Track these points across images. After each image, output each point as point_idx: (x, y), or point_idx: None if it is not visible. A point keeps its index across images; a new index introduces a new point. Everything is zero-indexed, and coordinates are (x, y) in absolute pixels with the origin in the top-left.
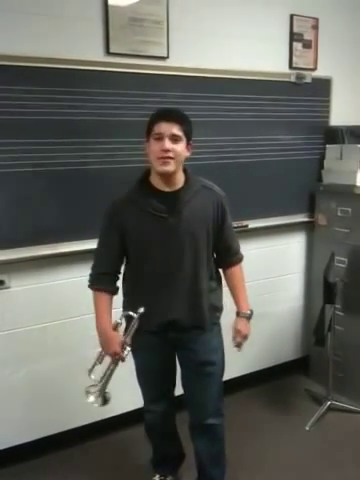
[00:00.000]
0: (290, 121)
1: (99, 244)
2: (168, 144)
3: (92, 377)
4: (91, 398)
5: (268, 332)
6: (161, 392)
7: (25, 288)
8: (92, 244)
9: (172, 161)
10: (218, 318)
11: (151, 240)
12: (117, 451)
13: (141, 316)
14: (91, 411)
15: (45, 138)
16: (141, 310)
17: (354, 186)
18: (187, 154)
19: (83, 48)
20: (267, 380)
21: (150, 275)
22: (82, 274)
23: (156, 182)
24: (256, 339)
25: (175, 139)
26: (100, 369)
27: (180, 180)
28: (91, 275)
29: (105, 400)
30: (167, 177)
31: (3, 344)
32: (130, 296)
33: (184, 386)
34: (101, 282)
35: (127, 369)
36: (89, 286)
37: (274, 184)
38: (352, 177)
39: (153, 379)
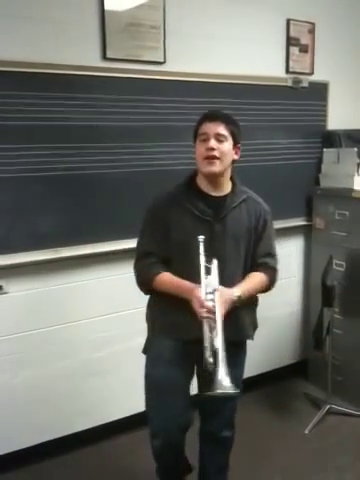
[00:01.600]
0: (287, 125)
1: (142, 239)
2: (213, 143)
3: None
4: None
5: (267, 336)
6: (179, 414)
7: (23, 293)
8: (90, 249)
9: (218, 161)
10: (253, 336)
11: (193, 242)
12: (116, 457)
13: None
14: (90, 416)
15: (42, 143)
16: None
17: (351, 190)
18: (235, 157)
19: (80, 53)
20: (266, 384)
21: (190, 279)
22: (82, 278)
23: (202, 185)
24: (255, 343)
25: (220, 139)
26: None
27: (227, 186)
28: (139, 270)
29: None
30: (214, 180)
31: (1, 349)
32: (164, 303)
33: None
34: (154, 267)
35: (125, 374)
36: (142, 284)
37: (271, 188)
38: (349, 181)
39: (173, 395)
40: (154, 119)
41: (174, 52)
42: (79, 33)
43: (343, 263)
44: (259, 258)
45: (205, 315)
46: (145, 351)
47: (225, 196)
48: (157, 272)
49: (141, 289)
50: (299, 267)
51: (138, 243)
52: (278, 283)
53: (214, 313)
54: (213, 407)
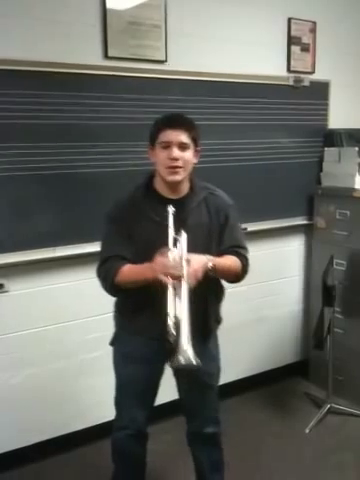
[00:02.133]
0: (288, 124)
1: (104, 245)
2: (176, 153)
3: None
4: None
5: (267, 335)
6: (144, 408)
7: (23, 292)
8: (90, 247)
9: (181, 170)
10: (216, 329)
11: (155, 247)
12: None
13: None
14: (88, 415)
15: (43, 142)
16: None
17: (353, 189)
18: (195, 161)
19: (81, 52)
20: (266, 383)
21: (148, 289)
22: (80, 278)
23: (161, 188)
24: (255, 342)
25: (183, 147)
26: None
27: (185, 187)
28: (102, 273)
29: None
30: (174, 185)
31: (1, 348)
32: (128, 305)
33: (182, 396)
34: (115, 265)
35: None
36: (107, 284)
37: (273, 187)
38: (350, 180)
39: (140, 392)
40: (156, 118)
41: (175, 51)
42: (81, 32)
43: (344, 263)
44: (226, 250)
45: (170, 274)
46: (112, 343)
47: (184, 197)
48: (118, 266)
49: (108, 291)
50: (300, 266)
51: (100, 251)
52: (279, 282)
53: (180, 278)
54: (195, 407)
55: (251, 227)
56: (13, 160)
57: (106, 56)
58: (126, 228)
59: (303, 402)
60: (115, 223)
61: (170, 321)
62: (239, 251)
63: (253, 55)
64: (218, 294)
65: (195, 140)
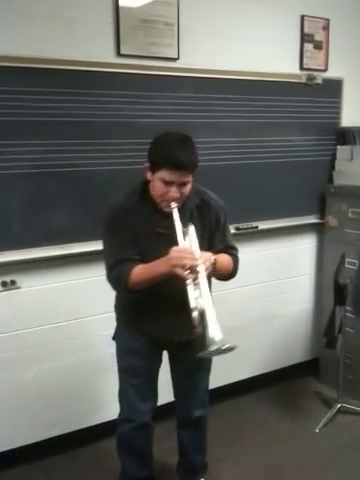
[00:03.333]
0: (301, 122)
1: (109, 251)
2: (176, 192)
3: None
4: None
5: (278, 334)
6: (147, 400)
7: (36, 288)
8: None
9: (178, 201)
10: None
11: (154, 255)
12: None
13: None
14: (100, 411)
15: (56, 139)
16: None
17: None
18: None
19: (94, 50)
20: (277, 382)
21: (151, 291)
22: (93, 274)
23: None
24: (266, 341)
25: (185, 184)
26: None
27: None
28: (115, 277)
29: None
30: None
31: (14, 344)
32: (133, 306)
33: (176, 381)
34: (127, 265)
35: None
36: (118, 286)
37: (284, 185)
38: None
39: (140, 383)
40: (168, 115)
41: (188, 48)
42: (94, 29)
43: (356, 261)
44: (219, 251)
45: (186, 263)
46: (114, 338)
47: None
48: (130, 267)
49: (126, 296)
50: (311, 265)
51: (106, 257)
52: (290, 280)
53: (195, 268)
54: (188, 391)
55: (262, 225)
56: (26, 157)
57: (119, 53)
58: (130, 233)
59: (313, 401)
60: (118, 228)
61: (195, 313)
62: (232, 252)
63: (266, 53)
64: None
65: (196, 168)
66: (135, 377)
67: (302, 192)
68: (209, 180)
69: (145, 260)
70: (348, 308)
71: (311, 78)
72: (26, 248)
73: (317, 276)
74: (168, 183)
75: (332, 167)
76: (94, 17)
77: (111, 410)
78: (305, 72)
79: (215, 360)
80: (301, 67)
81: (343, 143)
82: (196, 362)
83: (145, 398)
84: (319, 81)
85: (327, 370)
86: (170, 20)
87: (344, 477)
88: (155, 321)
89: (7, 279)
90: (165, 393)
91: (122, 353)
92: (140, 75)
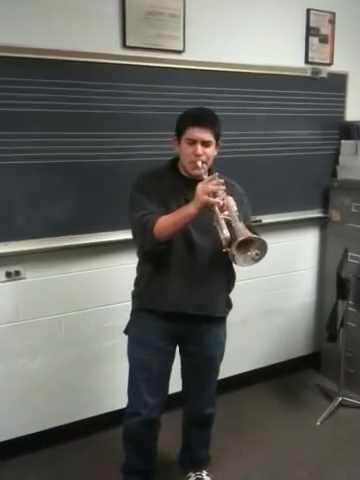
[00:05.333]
0: (305, 116)
1: (135, 208)
2: (201, 150)
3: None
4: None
5: (280, 327)
6: (156, 395)
7: (40, 279)
8: (107, 237)
9: (204, 165)
10: (227, 314)
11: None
12: None
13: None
14: (102, 402)
15: (61, 130)
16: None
17: None
18: (215, 153)
19: (100, 41)
20: (278, 375)
21: (171, 256)
22: (97, 266)
23: (184, 171)
24: (268, 334)
25: (207, 144)
26: None
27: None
28: (138, 224)
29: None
30: (195, 177)
31: (18, 334)
32: (147, 278)
33: (186, 379)
34: (152, 216)
35: None
36: (144, 233)
37: (288, 179)
38: None
39: (152, 377)
40: (172, 108)
41: (193, 41)
42: (99, 21)
43: (358, 256)
44: None
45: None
46: (126, 331)
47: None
48: (156, 217)
49: (148, 244)
50: (314, 259)
51: (134, 213)
52: (292, 274)
53: (222, 200)
54: (198, 389)
55: (266, 219)
56: (31, 148)
57: (124, 45)
58: (159, 197)
59: (314, 394)
60: (147, 191)
61: (223, 237)
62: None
63: (271, 46)
64: (230, 279)
65: (217, 136)
66: (147, 371)
67: (306, 186)
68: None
69: None
70: (350, 302)
71: (316, 72)
72: (30, 239)
73: (319, 270)
74: (192, 142)
75: (336, 161)
76: (100, 9)
77: (112, 401)
78: (310, 66)
79: None
80: (306, 61)
81: (347, 137)
82: (204, 361)
83: (155, 393)
84: (324, 75)
85: (328, 364)
86: (176, 12)
87: (345, 470)
88: (170, 286)
89: (11, 270)
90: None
91: (135, 346)
92: (145, 67)
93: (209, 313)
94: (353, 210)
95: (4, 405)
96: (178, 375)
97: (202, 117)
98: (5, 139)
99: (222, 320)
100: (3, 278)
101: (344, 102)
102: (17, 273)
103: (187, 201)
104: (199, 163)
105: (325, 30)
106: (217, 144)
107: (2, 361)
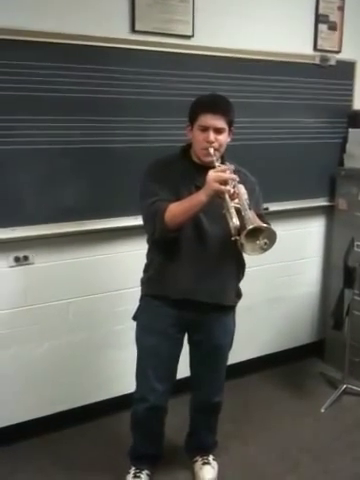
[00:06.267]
0: (313, 104)
1: (146, 195)
2: (213, 137)
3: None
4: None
5: (285, 315)
6: (164, 381)
7: (49, 264)
8: (117, 222)
9: (216, 152)
10: (237, 303)
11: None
12: None
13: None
14: (109, 387)
15: (70, 115)
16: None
17: None
18: (228, 140)
19: (109, 26)
20: (282, 362)
21: (182, 243)
22: (106, 252)
23: (196, 158)
24: (273, 321)
25: (219, 131)
26: None
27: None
28: (149, 210)
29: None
30: (207, 164)
31: (26, 319)
32: (157, 265)
33: (195, 367)
34: (163, 202)
35: None
36: (154, 219)
37: (295, 167)
38: None
39: (160, 363)
40: (181, 94)
41: (202, 26)
42: (109, 5)
43: None
44: None
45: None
46: (135, 318)
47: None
48: (167, 203)
49: (158, 231)
50: (320, 248)
51: (145, 198)
52: (298, 262)
53: (234, 188)
54: (207, 378)
55: (272, 207)
56: (41, 133)
57: (133, 30)
58: (170, 182)
59: (319, 382)
60: (159, 176)
61: (232, 225)
62: (264, 220)
63: (280, 32)
64: (240, 268)
65: (230, 123)
66: (156, 358)
67: (312, 174)
68: None
69: None
70: (356, 291)
71: (325, 59)
72: (39, 224)
73: (325, 259)
74: (205, 129)
75: (343, 150)
76: None
77: (119, 386)
78: (319, 53)
79: None
80: (315, 48)
81: (355, 126)
82: (212, 350)
83: (162, 379)
84: (332, 63)
85: (332, 352)
86: None
87: (349, 457)
88: (180, 273)
89: (20, 254)
90: None
91: (144, 333)
92: (154, 52)
93: (219, 301)
94: None
95: (12, 389)
96: (186, 360)
97: (215, 104)
98: (16, 124)
99: (231, 309)
100: (12, 263)
101: (352, 90)
102: (25, 258)
103: (198, 188)
104: (211, 150)
105: (334, 17)
106: (230, 131)
107: (10, 346)
